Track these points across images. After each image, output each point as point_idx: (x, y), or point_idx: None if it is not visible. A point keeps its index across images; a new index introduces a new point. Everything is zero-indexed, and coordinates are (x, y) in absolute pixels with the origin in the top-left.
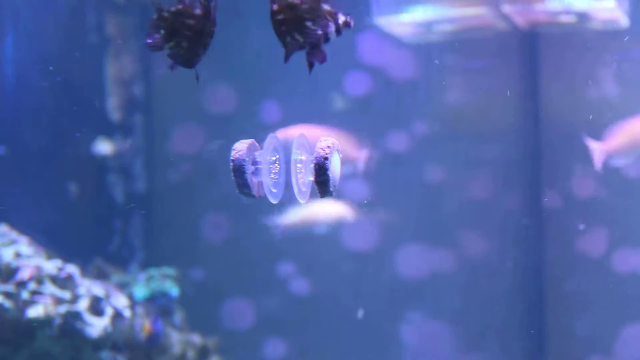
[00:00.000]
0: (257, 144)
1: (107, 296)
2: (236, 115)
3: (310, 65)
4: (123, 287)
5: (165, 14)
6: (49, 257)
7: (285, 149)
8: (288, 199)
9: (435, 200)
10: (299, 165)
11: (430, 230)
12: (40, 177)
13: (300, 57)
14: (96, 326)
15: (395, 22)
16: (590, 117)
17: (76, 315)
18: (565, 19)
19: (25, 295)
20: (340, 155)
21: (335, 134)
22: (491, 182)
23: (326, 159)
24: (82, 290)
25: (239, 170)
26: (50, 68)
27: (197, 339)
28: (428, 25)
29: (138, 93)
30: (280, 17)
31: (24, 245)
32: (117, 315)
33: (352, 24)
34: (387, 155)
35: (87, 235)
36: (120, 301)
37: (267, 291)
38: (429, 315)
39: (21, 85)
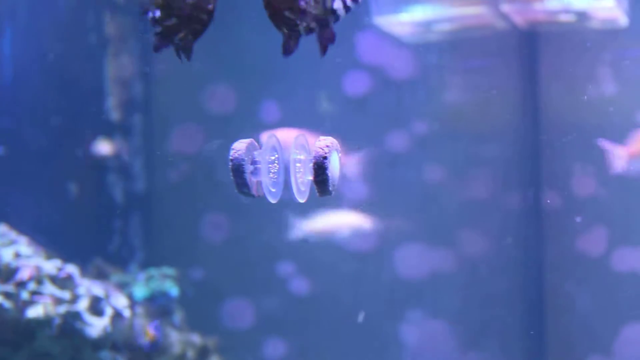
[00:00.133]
0: (256, 144)
1: (107, 296)
2: (235, 115)
3: (324, 48)
4: (123, 287)
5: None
6: (49, 257)
7: (275, 150)
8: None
9: (434, 200)
10: (297, 164)
11: (429, 230)
12: (39, 177)
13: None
14: (96, 326)
15: (394, 22)
16: (585, 97)
17: (76, 315)
18: (565, 18)
19: (25, 295)
20: (339, 154)
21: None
22: (491, 182)
23: (325, 158)
24: (81, 290)
25: (238, 169)
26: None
27: (196, 338)
28: (427, 25)
29: (137, 93)
30: None
31: (24, 246)
32: (117, 315)
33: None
34: (387, 155)
35: (87, 235)
36: (120, 301)
37: (267, 291)
38: (428, 315)
39: (20, 85)
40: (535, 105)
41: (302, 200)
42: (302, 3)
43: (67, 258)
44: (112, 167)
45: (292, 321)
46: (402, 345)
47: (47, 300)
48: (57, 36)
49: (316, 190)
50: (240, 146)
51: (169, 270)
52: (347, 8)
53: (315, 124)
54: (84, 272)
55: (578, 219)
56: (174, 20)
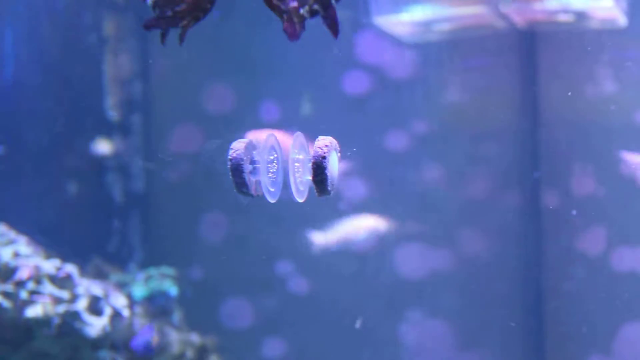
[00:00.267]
0: (254, 143)
1: (106, 296)
2: (235, 114)
3: (334, 29)
4: (122, 286)
5: None
6: (48, 256)
7: (274, 150)
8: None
9: (433, 199)
10: (296, 164)
11: (428, 230)
12: (38, 176)
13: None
14: (95, 326)
15: (393, 21)
16: (569, 94)
17: (75, 315)
18: (564, 17)
19: (23, 295)
20: (338, 154)
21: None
22: (490, 181)
23: (324, 158)
24: (80, 289)
25: (236, 169)
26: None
27: (195, 338)
28: (426, 25)
29: (136, 92)
30: None
31: (23, 245)
32: (116, 315)
33: None
34: (386, 155)
35: (86, 234)
36: (119, 301)
37: (266, 290)
38: (428, 314)
39: (19, 85)
40: (534, 104)
41: (301, 200)
42: None
43: (66, 257)
44: (111, 166)
45: (291, 321)
46: (401, 344)
47: (46, 300)
48: (56, 36)
49: (315, 190)
50: (238, 146)
51: (168, 270)
52: None
53: (315, 124)
54: (83, 272)
55: (574, 212)
56: (183, 6)
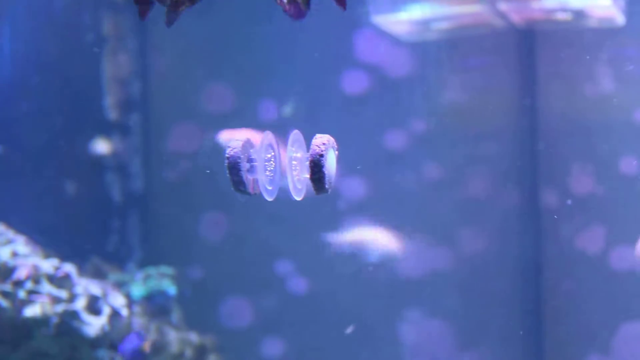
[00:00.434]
0: (252, 142)
1: (105, 295)
2: (233, 113)
3: (342, 3)
4: (120, 286)
5: None
6: (46, 256)
7: (271, 148)
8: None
9: (433, 198)
10: (294, 162)
11: (428, 229)
12: (37, 176)
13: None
14: (93, 325)
15: (392, 20)
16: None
17: (73, 315)
18: (562, 16)
19: (22, 294)
20: (336, 152)
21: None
22: (489, 180)
23: (321, 156)
24: (79, 289)
25: (234, 167)
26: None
27: (194, 337)
28: (425, 23)
29: (135, 92)
30: None
31: (21, 245)
32: (115, 314)
33: None
34: (385, 154)
35: (85, 234)
36: (118, 300)
37: (265, 290)
38: (427, 313)
39: (18, 85)
40: (532, 103)
41: (298, 198)
42: None
43: (64, 257)
44: (110, 166)
45: (290, 320)
46: (400, 343)
47: (45, 300)
48: (54, 35)
49: (313, 188)
50: (236, 144)
51: (167, 269)
52: None
53: (313, 124)
54: (82, 271)
55: (569, 202)
56: None
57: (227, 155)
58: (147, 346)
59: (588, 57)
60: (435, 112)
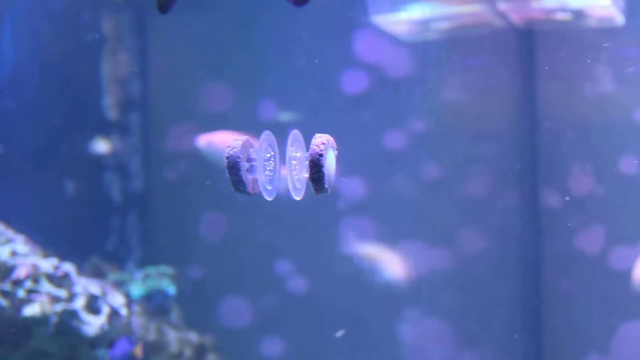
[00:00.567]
0: (251, 142)
1: (104, 294)
2: (232, 113)
3: None
4: (120, 285)
5: None
6: (46, 255)
7: (271, 147)
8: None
9: (432, 198)
10: (293, 162)
11: (427, 229)
12: (36, 175)
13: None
14: (93, 324)
15: (392, 20)
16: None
17: (73, 314)
18: (561, 16)
19: (21, 293)
20: (336, 152)
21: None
22: (488, 180)
23: (321, 155)
24: (78, 288)
25: (233, 167)
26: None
27: (194, 337)
28: (425, 23)
29: (135, 91)
30: None
31: (20, 244)
32: (114, 314)
33: None
34: (384, 154)
35: (84, 233)
36: (117, 299)
37: (264, 289)
38: (426, 313)
39: (18, 84)
40: (532, 103)
41: (298, 198)
42: None
43: (64, 256)
44: (110, 165)
45: (289, 320)
46: (399, 343)
47: (44, 299)
48: (54, 35)
49: (312, 188)
50: (235, 144)
51: (166, 269)
52: None
53: (313, 124)
54: (81, 271)
55: (567, 198)
56: None
57: (226, 155)
58: (138, 351)
59: (588, 57)
60: (434, 112)
